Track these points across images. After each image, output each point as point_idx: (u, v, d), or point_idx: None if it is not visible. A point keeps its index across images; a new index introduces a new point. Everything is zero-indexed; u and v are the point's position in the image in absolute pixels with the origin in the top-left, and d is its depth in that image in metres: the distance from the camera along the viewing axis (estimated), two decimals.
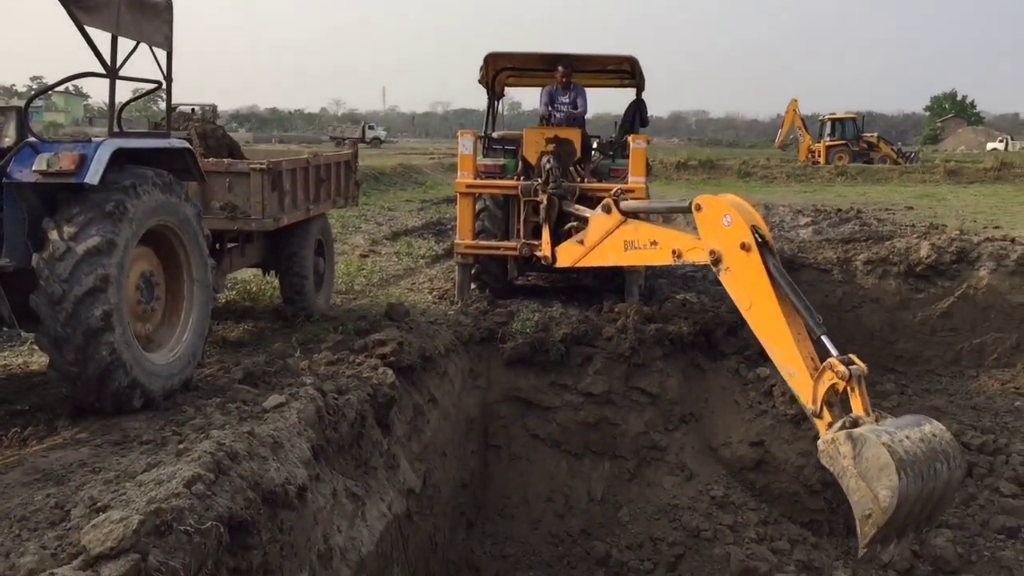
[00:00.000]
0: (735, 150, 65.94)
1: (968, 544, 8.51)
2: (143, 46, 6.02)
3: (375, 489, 6.25)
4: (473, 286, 10.87)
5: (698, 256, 7.23)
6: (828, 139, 42.18)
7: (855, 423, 6.11)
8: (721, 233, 6.83)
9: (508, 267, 11.12)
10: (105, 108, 6.23)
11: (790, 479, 8.52)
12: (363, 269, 12.89)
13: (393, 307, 9.24)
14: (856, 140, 42.38)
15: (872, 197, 27.07)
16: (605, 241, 8.63)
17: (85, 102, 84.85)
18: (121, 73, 5.81)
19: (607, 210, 8.51)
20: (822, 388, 6.37)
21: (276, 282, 9.67)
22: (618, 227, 8.40)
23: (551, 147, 10.04)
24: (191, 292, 6.35)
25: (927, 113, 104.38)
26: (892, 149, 43.58)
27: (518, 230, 10.32)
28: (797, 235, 17.17)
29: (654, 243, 7.95)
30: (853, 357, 6.34)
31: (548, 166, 9.88)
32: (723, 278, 7.00)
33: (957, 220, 19.46)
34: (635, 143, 10.07)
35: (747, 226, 6.61)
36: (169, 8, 6.26)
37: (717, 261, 6.91)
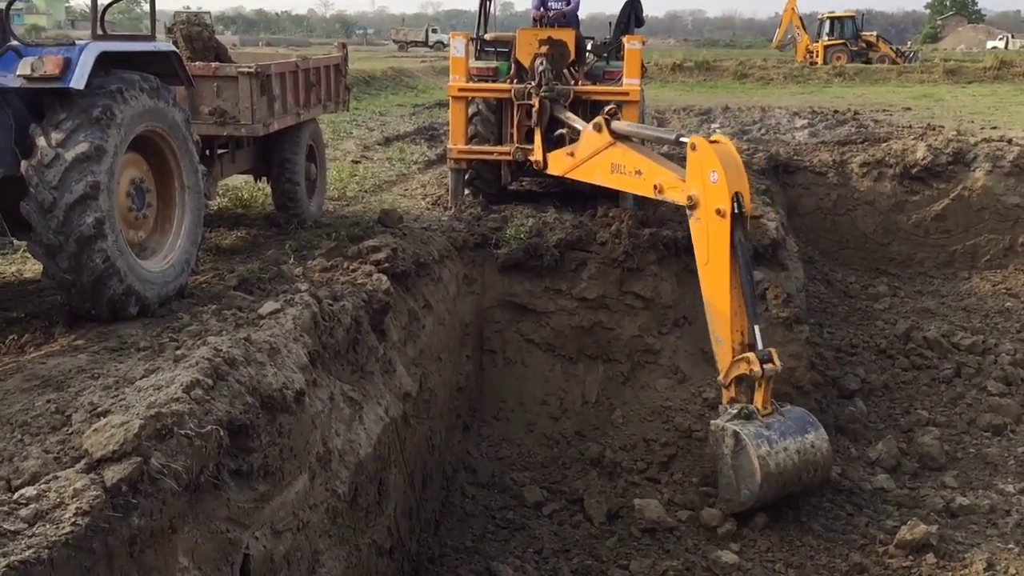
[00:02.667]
0: (732, 51, 64.80)
1: (955, 441, 8.70)
2: None
3: (372, 393, 6.32)
4: (466, 191, 10.80)
5: (678, 197, 7.27)
6: (826, 39, 41.45)
7: (749, 416, 6.87)
8: (705, 186, 6.88)
9: (502, 172, 11.04)
10: (87, 10, 6.08)
11: (782, 380, 8.57)
12: (355, 175, 12.78)
13: (386, 213, 9.20)
14: (855, 39, 41.67)
15: (870, 98, 26.78)
16: (593, 159, 8.59)
17: (67, 4, 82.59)
18: None
19: (598, 128, 8.43)
20: (735, 372, 6.98)
21: (268, 189, 9.60)
22: (607, 148, 8.34)
23: (544, 49, 9.86)
24: (183, 199, 6.31)
25: (927, 11, 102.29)
26: (891, 48, 42.88)
27: (511, 134, 10.20)
28: (793, 137, 17.04)
29: (638, 172, 7.94)
30: (773, 354, 6.87)
31: (541, 68, 9.71)
32: (692, 224, 7.12)
33: (954, 121, 19.31)
34: (630, 44, 9.89)
35: (729, 193, 6.69)
36: None
37: (693, 207, 7.00)
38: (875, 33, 45.09)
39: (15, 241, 5.60)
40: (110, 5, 6.59)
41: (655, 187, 7.62)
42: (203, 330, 5.39)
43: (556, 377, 9.24)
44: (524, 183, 11.83)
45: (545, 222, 9.57)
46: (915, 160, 13.32)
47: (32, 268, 6.95)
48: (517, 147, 9.94)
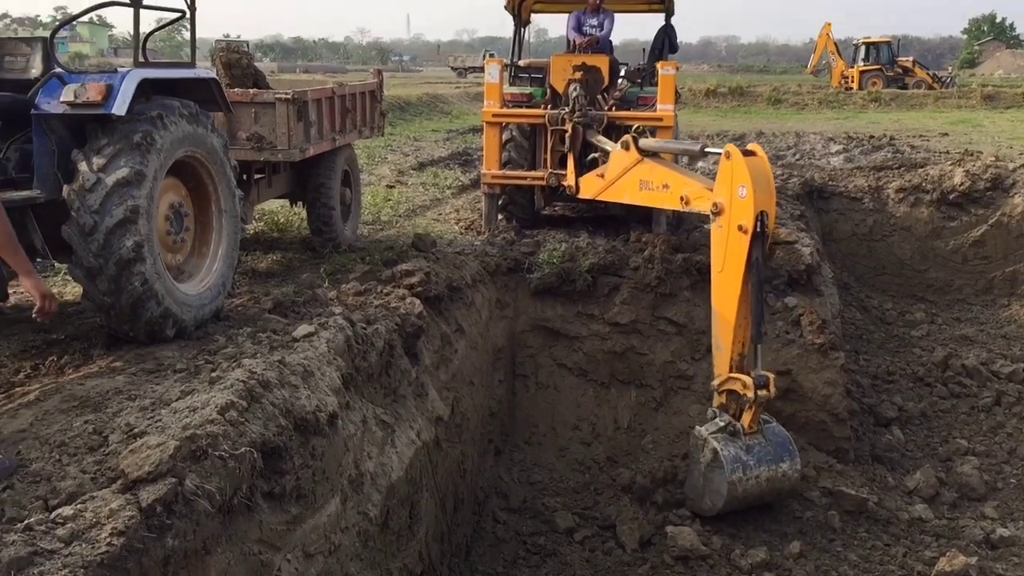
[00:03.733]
0: (766, 76, 64.66)
1: (995, 471, 8.54)
2: None
3: (404, 417, 6.34)
4: (500, 216, 10.85)
5: (704, 207, 7.25)
6: (862, 64, 41.29)
7: (734, 433, 7.07)
8: (732, 199, 6.84)
9: (535, 197, 11.07)
10: (129, 39, 6.21)
11: (817, 408, 8.54)
12: (389, 200, 12.88)
13: (420, 237, 9.25)
14: (891, 65, 41.46)
15: (906, 124, 26.56)
16: (623, 178, 8.60)
17: (109, 32, 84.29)
18: (145, 2, 5.77)
19: (626, 147, 8.46)
20: (730, 386, 7.07)
21: (303, 213, 9.70)
22: (635, 165, 8.36)
23: (578, 75, 9.90)
24: (220, 223, 6.39)
25: (965, 36, 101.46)
26: (928, 74, 42.58)
27: (545, 159, 10.24)
28: (828, 163, 16.94)
29: (665, 186, 7.94)
30: (770, 380, 6.93)
31: (575, 94, 9.76)
32: (713, 229, 7.11)
33: (993, 146, 19.09)
34: (664, 70, 9.90)
35: (755, 211, 6.64)
36: None
37: (716, 214, 6.99)
38: (911, 59, 44.83)
39: (56, 264, 5.69)
40: (152, 33, 6.73)
41: (682, 199, 7.62)
42: (238, 352, 5.44)
43: (588, 402, 9.21)
44: (557, 208, 11.86)
45: (578, 247, 9.58)
46: (953, 186, 13.19)
47: (72, 290, 7.07)
48: (550, 172, 9.97)
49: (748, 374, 6.95)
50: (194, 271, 6.26)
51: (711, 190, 7.16)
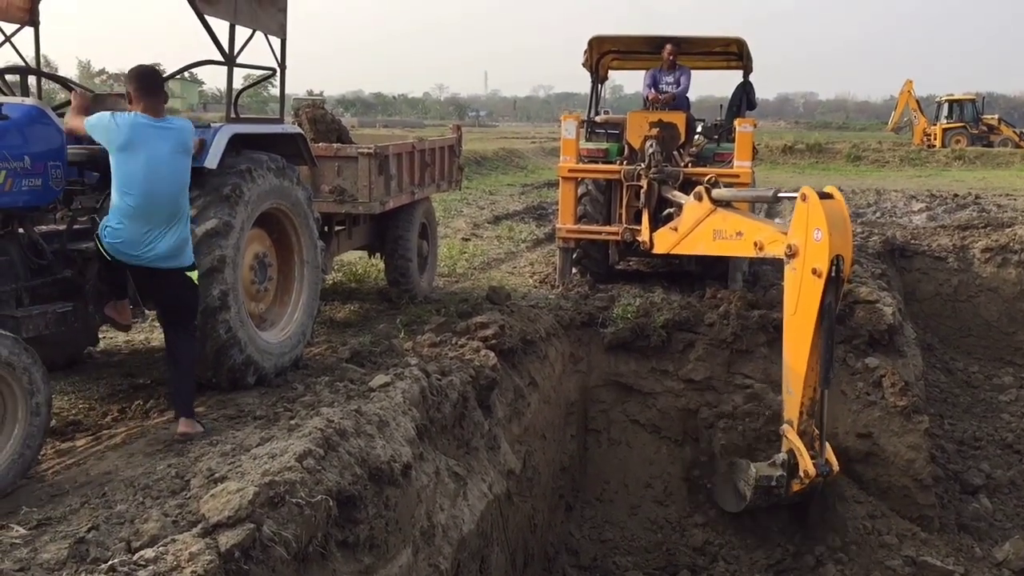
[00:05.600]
0: (845, 133, 63.92)
1: None
2: (258, 34, 6.20)
3: (476, 469, 6.33)
4: (574, 270, 10.87)
5: (777, 251, 7.16)
6: (945, 121, 40.50)
7: (776, 494, 7.24)
8: (807, 242, 6.75)
9: (610, 252, 11.08)
10: (218, 94, 6.45)
11: (899, 473, 8.27)
12: (465, 252, 13.02)
13: (495, 290, 9.32)
14: (975, 122, 40.59)
15: (992, 182, 25.92)
16: (696, 229, 8.56)
17: (200, 88, 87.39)
18: (239, 61, 6.00)
19: (699, 198, 8.45)
20: (797, 447, 6.99)
21: (381, 264, 9.87)
22: (708, 215, 8.33)
23: (655, 131, 9.93)
24: (302, 273, 6.55)
25: None
26: (1015, 132, 41.53)
27: (620, 215, 10.26)
28: (910, 221, 16.61)
29: (739, 234, 7.87)
30: (833, 468, 7.00)
31: (651, 150, 9.79)
32: (787, 272, 7.03)
33: None
34: (741, 126, 9.89)
35: (830, 255, 6.54)
36: None
37: (791, 256, 6.91)
38: (997, 116, 43.83)
39: (146, 311, 5.87)
40: (244, 90, 6.98)
41: (755, 244, 7.55)
42: (316, 401, 5.53)
43: (661, 459, 9.07)
44: (631, 263, 11.84)
45: (652, 302, 9.52)
46: None
47: (158, 337, 7.26)
48: (625, 227, 9.98)
49: (817, 436, 6.89)
50: (275, 320, 6.40)
51: (785, 234, 7.09)
